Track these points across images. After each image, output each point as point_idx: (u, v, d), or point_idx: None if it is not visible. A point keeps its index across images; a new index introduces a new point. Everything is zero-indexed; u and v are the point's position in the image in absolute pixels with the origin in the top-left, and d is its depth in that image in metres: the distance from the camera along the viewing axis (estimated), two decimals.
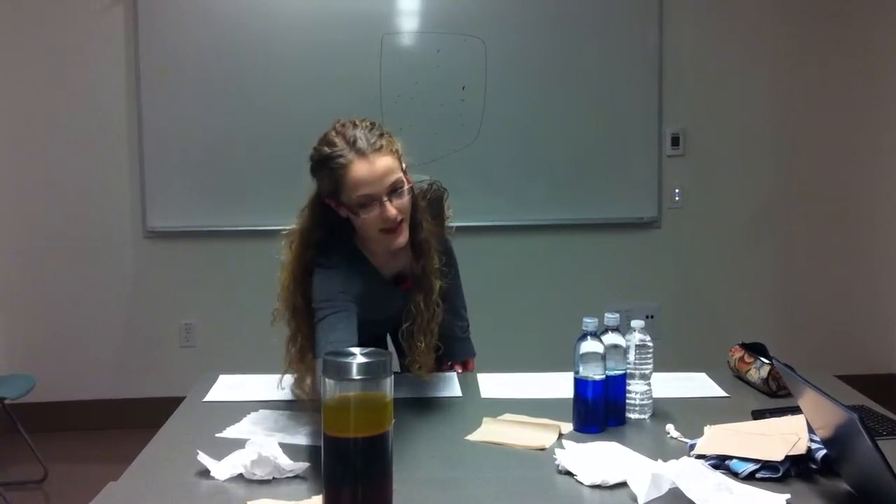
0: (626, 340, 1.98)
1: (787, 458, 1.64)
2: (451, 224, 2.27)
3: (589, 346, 1.90)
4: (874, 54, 4.64)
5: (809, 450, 1.65)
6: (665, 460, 1.60)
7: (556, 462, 1.72)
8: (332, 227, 2.07)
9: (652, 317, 4.50)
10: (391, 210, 1.95)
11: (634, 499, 1.54)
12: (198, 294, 4.49)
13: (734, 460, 1.67)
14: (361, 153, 1.93)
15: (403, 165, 2.01)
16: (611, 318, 1.96)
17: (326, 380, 1.37)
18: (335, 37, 4.27)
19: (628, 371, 1.99)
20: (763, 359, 2.26)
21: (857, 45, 4.63)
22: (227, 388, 2.31)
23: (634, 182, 4.55)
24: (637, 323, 1.99)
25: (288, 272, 2.08)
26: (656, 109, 4.51)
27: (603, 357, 1.91)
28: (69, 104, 4.36)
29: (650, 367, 2.01)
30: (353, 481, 1.37)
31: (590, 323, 1.91)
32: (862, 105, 4.66)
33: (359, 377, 1.36)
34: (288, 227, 2.16)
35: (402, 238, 2.01)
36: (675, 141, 4.56)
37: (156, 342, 4.49)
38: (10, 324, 4.42)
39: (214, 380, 2.36)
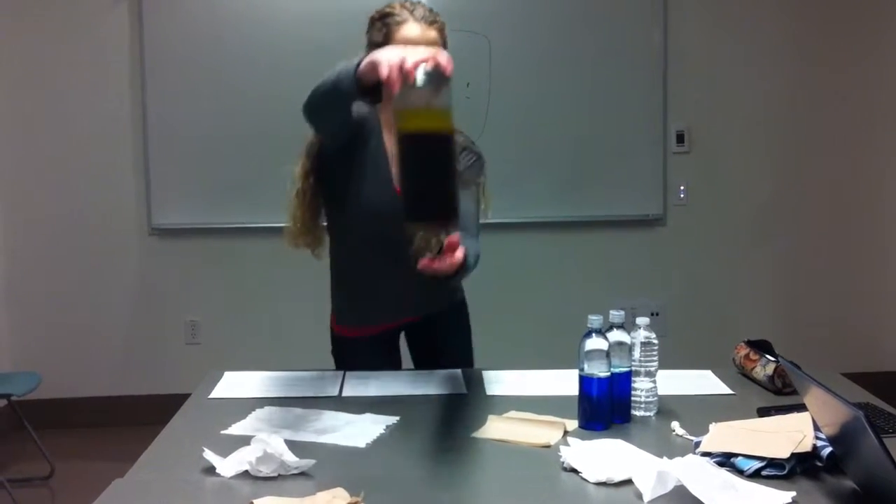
0: (632, 338, 1.98)
1: (793, 455, 1.63)
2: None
3: (594, 343, 1.90)
4: (879, 51, 4.64)
5: (815, 447, 1.65)
6: (670, 458, 1.60)
7: (562, 459, 1.72)
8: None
9: (657, 314, 4.50)
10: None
11: (639, 496, 1.54)
12: (203, 291, 4.50)
13: (739, 458, 1.67)
14: (415, 17, 2.15)
15: None
16: (616, 315, 1.95)
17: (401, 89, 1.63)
18: (339, 35, 4.23)
19: (633, 368, 1.98)
20: (768, 356, 2.25)
21: (863, 42, 4.62)
22: (233, 384, 2.31)
23: (639, 179, 4.55)
24: (642, 320, 1.99)
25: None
26: (661, 106, 4.51)
27: (608, 354, 1.91)
28: (74, 101, 4.37)
29: (655, 364, 2.01)
30: (422, 173, 1.65)
31: (595, 320, 1.90)
32: (867, 102, 4.65)
33: (425, 81, 1.62)
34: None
35: None
36: (681, 138, 4.56)
37: (161, 339, 4.50)
38: (15, 321, 4.43)
39: (220, 377, 2.36)
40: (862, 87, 4.64)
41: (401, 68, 1.67)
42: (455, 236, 1.88)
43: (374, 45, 2.15)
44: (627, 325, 1.97)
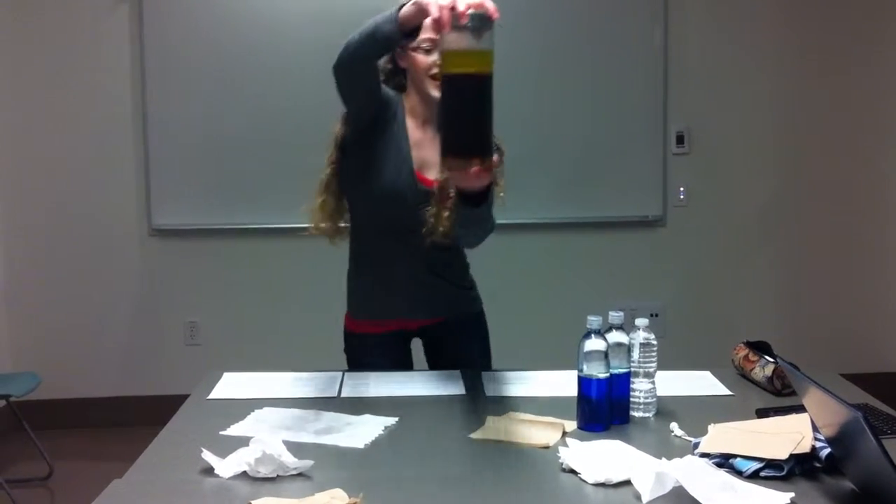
0: (631, 339, 1.98)
1: (792, 456, 1.63)
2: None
3: (593, 344, 1.90)
4: (879, 52, 4.64)
5: (814, 448, 1.65)
6: (669, 459, 1.60)
7: (560, 460, 1.72)
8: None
9: (656, 315, 4.50)
10: None
11: (638, 497, 1.54)
12: (203, 292, 4.50)
13: (738, 459, 1.67)
14: None
15: None
16: (615, 316, 1.95)
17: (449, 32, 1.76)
18: (341, 35, 4.25)
19: (632, 369, 1.98)
20: (767, 357, 2.25)
21: (862, 43, 4.62)
22: (232, 385, 2.31)
23: (639, 180, 4.55)
24: (641, 321, 1.99)
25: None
26: (661, 108, 4.51)
27: (607, 355, 1.91)
28: (74, 102, 4.37)
29: (654, 365, 2.01)
30: (466, 107, 1.79)
31: (594, 321, 1.90)
32: (867, 103, 4.65)
33: (474, 23, 1.74)
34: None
35: None
36: (680, 139, 4.56)
37: (161, 340, 4.50)
38: (15, 321, 4.43)
39: (219, 377, 2.36)
40: (862, 88, 4.64)
41: (452, 9, 1.76)
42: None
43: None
44: (626, 326, 1.97)
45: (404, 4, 1.97)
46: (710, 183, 4.62)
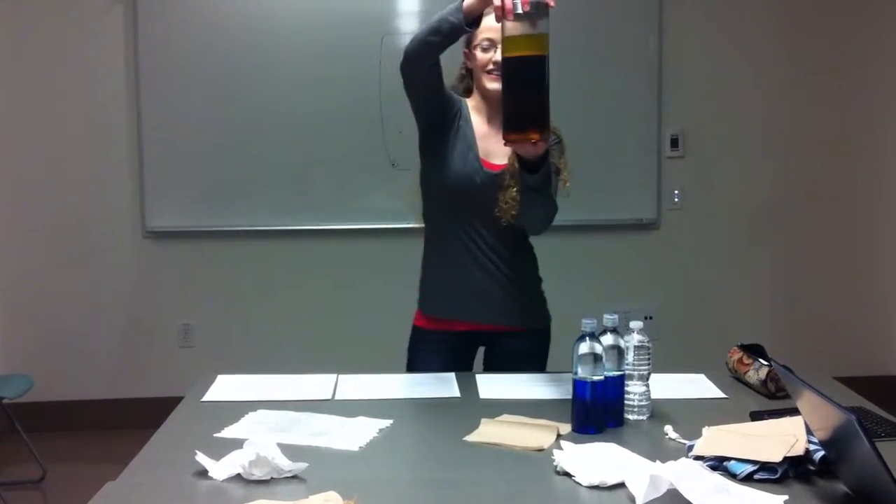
0: (625, 341, 1.98)
1: (786, 459, 1.63)
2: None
3: (587, 346, 1.90)
4: (873, 56, 4.65)
5: (808, 451, 1.65)
6: (663, 461, 1.60)
7: (555, 463, 1.72)
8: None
9: (651, 318, 4.50)
10: (499, 56, 2.27)
11: (632, 500, 1.54)
12: (197, 294, 4.49)
13: (732, 461, 1.67)
14: None
15: None
16: (609, 319, 1.96)
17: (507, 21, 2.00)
18: (335, 37, 4.27)
19: (627, 372, 1.99)
20: (762, 360, 2.25)
21: (856, 47, 4.63)
22: (226, 388, 2.30)
23: (634, 183, 4.56)
24: (636, 324, 1.99)
25: None
26: (656, 111, 4.52)
27: (601, 358, 1.91)
28: (69, 103, 4.36)
29: (648, 368, 2.01)
30: (523, 86, 2.04)
31: (588, 324, 1.90)
32: (860, 107, 4.66)
33: (532, 10, 2.00)
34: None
35: (499, 84, 2.26)
36: (675, 142, 4.57)
37: (154, 342, 4.49)
38: (8, 323, 4.42)
39: (213, 380, 2.36)
40: (857, 92, 4.65)
41: None
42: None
43: (467, 40, 2.39)
44: (621, 329, 1.98)
45: None
46: (704, 186, 4.62)
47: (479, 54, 2.38)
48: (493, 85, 2.35)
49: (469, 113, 2.46)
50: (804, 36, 4.61)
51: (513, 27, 2.02)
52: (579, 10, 4.43)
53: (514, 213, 2.36)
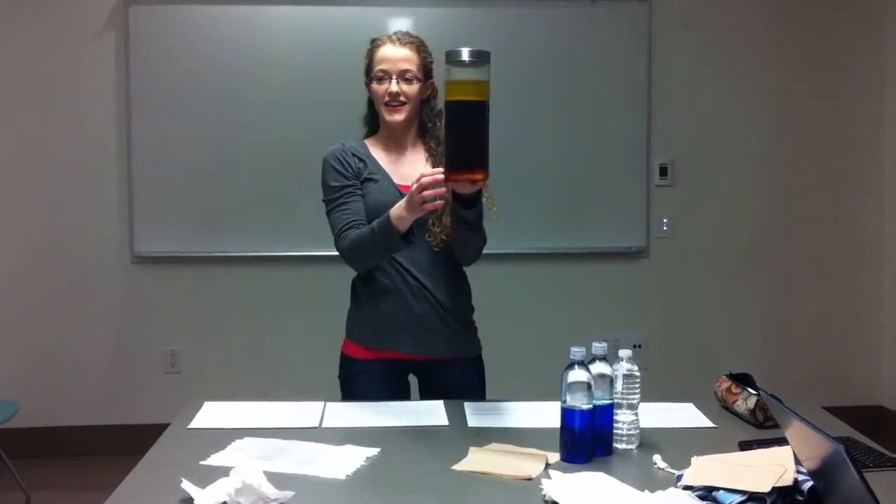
0: (614, 370, 1.98)
1: (774, 489, 1.63)
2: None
3: (576, 375, 1.90)
4: (863, 87, 4.69)
5: (796, 481, 1.65)
6: (652, 491, 1.60)
7: (543, 492, 1.71)
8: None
9: (639, 346, 4.50)
10: (395, 87, 2.39)
11: None
12: (184, 320, 4.47)
13: (721, 491, 1.66)
14: (391, 40, 2.44)
15: (427, 73, 2.46)
16: (598, 347, 1.96)
17: (447, 66, 2.07)
18: (325, 64, 4.29)
19: (615, 401, 1.98)
20: (750, 389, 2.25)
21: (847, 78, 4.68)
22: (212, 415, 2.29)
23: (623, 212, 4.57)
24: (624, 352, 1.99)
25: None
26: (645, 139, 4.54)
27: (590, 386, 1.90)
28: (59, 128, 4.36)
29: (637, 396, 2.00)
30: (466, 129, 2.09)
31: (577, 352, 1.90)
32: (851, 136, 4.70)
33: (467, 59, 2.07)
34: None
35: (398, 116, 2.42)
36: (664, 171, 4.59)
37: (141, 368, 4.47)
38: None
39: (199, 407, 2.35)
40: (846, 122, 4.69)
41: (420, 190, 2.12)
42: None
43: (366, 71, 2.47)
44: (610, 357, 1.97)
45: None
46: (693, 214, 4.64)
47: (374, 86, 2.43)
48: (391, 117, 2.42)
49: (367, 150, 2.49)
50: (794, 66, 4.65)
51: (457, 73, 2.08)
52: (569, 39, 4.47)
53: (444, 237, 2.40)
